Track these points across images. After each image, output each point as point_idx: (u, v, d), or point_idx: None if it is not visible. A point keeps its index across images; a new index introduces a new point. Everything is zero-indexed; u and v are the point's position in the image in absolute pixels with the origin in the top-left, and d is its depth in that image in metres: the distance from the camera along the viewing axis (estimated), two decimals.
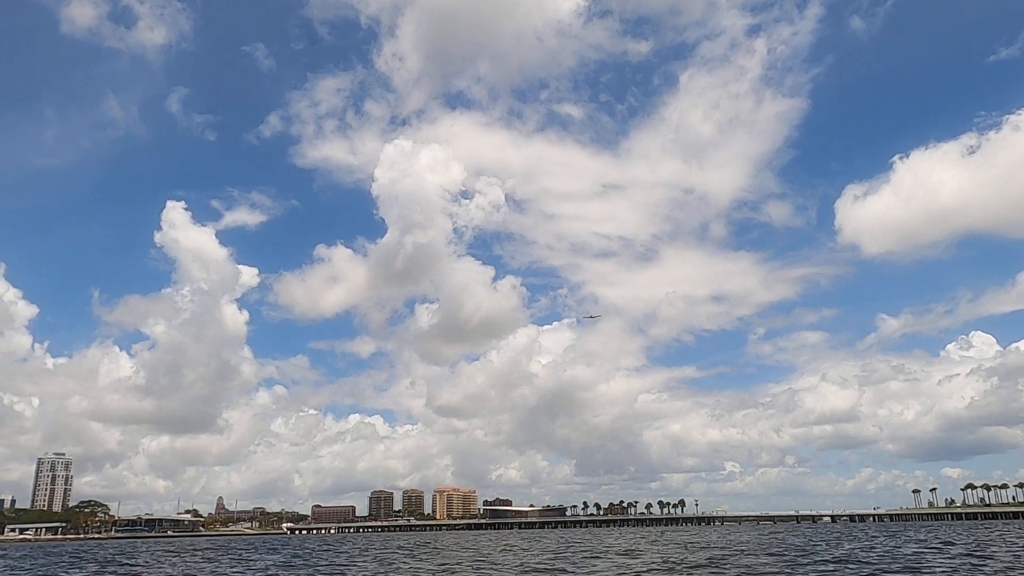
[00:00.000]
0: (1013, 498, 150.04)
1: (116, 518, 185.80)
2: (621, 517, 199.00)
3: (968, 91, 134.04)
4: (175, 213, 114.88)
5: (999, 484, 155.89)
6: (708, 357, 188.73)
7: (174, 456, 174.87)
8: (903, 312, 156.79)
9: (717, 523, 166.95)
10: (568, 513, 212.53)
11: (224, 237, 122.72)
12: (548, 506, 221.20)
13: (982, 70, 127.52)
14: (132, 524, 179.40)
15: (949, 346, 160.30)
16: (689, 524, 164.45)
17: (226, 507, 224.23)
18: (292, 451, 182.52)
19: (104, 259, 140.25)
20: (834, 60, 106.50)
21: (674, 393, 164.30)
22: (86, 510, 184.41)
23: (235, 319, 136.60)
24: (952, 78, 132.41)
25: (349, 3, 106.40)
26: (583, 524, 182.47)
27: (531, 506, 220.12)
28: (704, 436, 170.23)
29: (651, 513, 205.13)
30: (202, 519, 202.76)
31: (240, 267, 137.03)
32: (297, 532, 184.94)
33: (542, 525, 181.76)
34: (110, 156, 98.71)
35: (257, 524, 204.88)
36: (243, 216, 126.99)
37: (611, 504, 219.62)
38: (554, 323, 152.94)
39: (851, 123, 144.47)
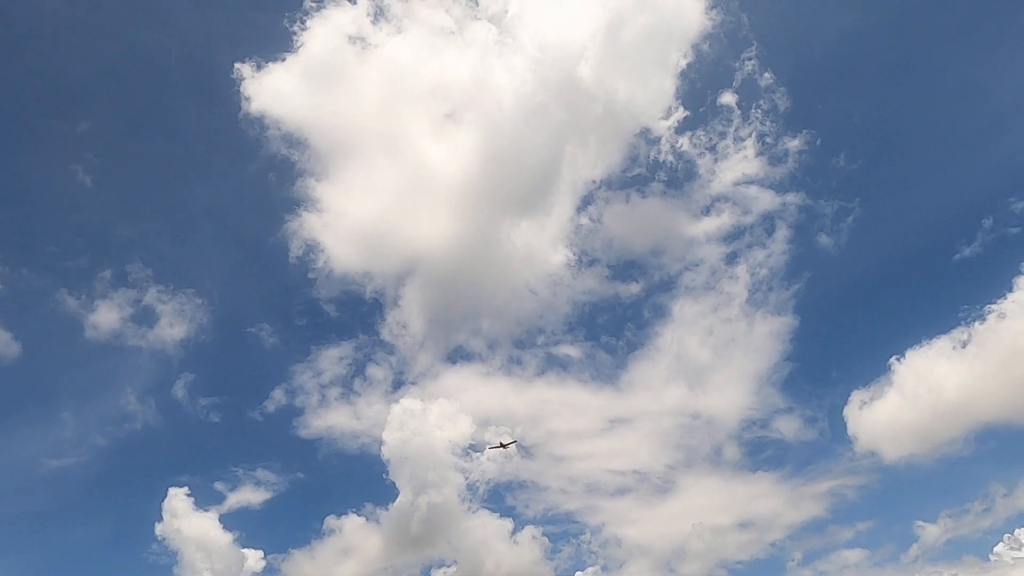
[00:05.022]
0: None
1: None
2: None
3: (945, 288, 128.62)
4: (177, 501, 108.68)
5: None
6: None
7: None
8: (940, 516, 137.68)
9: None
10: None
11: (228, 521, 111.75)
12: None
13: (951, 268, 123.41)
14: None
15: (997, 547, 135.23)
16: None
17: None
18: None
19: (102, 559, 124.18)
20: (811, 275, 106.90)
21: None
22: None
23: None
24: (926, 278, 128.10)
25: (354, 280, 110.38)
26: None
27: None
28: None
29: None
30: None
31: (245, 551, 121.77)
32: None
33: None
34: (117, 451, 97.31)
35: None
36: (248, 495, 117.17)
37: None
38: (577, 573, 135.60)
39: (841, 331, 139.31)
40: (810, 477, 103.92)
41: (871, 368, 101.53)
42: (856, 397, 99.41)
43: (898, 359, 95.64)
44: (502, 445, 79.52)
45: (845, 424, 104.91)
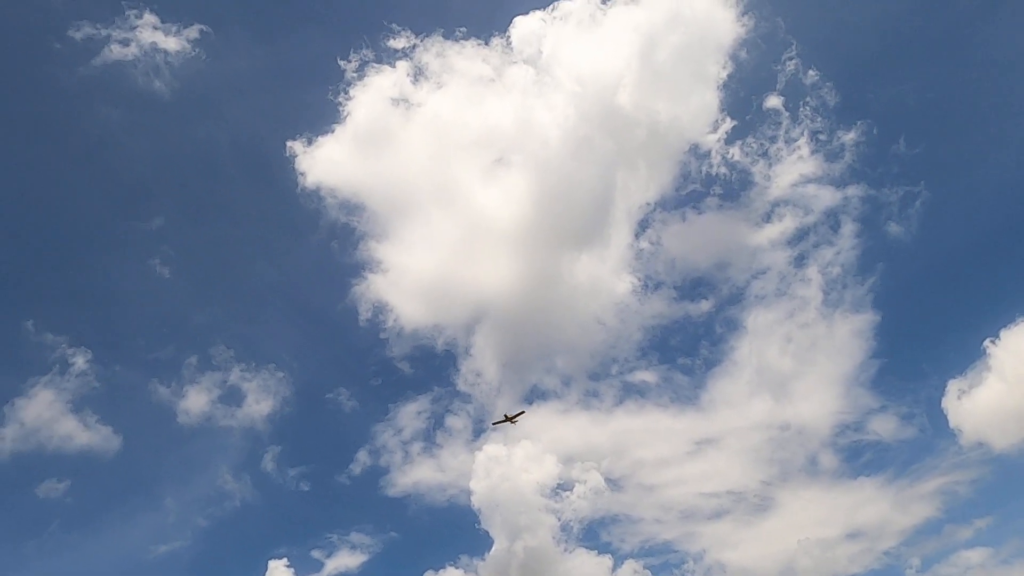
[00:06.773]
0: None
1: None
2: None
3: None
4: (278, 573, 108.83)
5: None
6: None
7: None
8: None
9: None
10: None
11: None
12: None
13: None
14: None
15: None
16: None
17: None
18: None
19: None
20: (885, 267, 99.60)
21: None
22: None
23: None
24: (1009, 253, 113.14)
25: (425, 335, 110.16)
26: None
27: None
28: None
29: None
30: None
31: None
32: None
33: None
34: (218, 529, 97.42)
35: None
36: (345, 560, 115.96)
37: None
38: None
39: (927, 320, 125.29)
40: (916, 477, 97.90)
41: (965, 355, 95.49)
42: (953, 387, 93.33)
43: (993, 341, 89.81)
44: (507, 419, 77.50)
45: (946, 417, 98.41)
